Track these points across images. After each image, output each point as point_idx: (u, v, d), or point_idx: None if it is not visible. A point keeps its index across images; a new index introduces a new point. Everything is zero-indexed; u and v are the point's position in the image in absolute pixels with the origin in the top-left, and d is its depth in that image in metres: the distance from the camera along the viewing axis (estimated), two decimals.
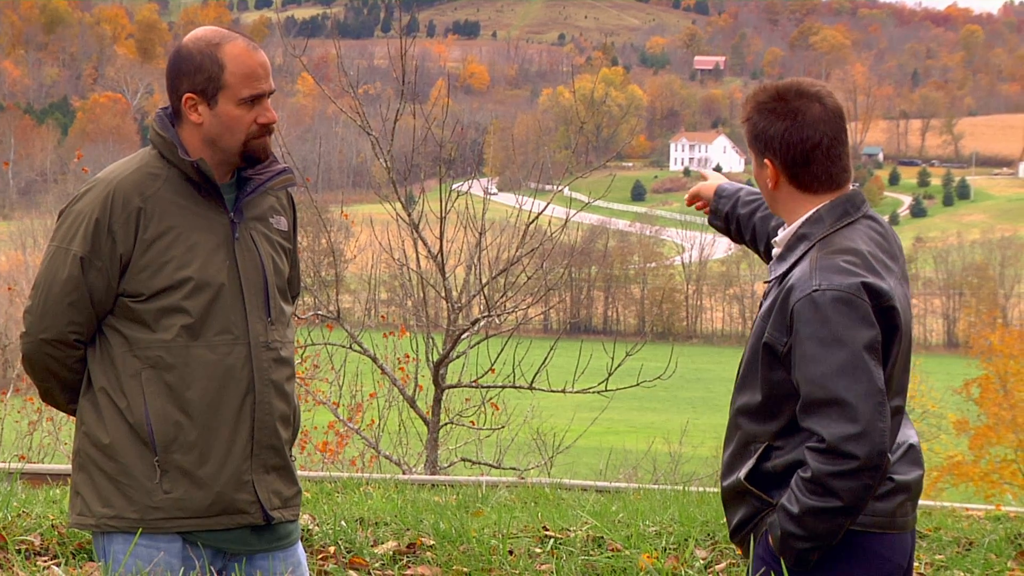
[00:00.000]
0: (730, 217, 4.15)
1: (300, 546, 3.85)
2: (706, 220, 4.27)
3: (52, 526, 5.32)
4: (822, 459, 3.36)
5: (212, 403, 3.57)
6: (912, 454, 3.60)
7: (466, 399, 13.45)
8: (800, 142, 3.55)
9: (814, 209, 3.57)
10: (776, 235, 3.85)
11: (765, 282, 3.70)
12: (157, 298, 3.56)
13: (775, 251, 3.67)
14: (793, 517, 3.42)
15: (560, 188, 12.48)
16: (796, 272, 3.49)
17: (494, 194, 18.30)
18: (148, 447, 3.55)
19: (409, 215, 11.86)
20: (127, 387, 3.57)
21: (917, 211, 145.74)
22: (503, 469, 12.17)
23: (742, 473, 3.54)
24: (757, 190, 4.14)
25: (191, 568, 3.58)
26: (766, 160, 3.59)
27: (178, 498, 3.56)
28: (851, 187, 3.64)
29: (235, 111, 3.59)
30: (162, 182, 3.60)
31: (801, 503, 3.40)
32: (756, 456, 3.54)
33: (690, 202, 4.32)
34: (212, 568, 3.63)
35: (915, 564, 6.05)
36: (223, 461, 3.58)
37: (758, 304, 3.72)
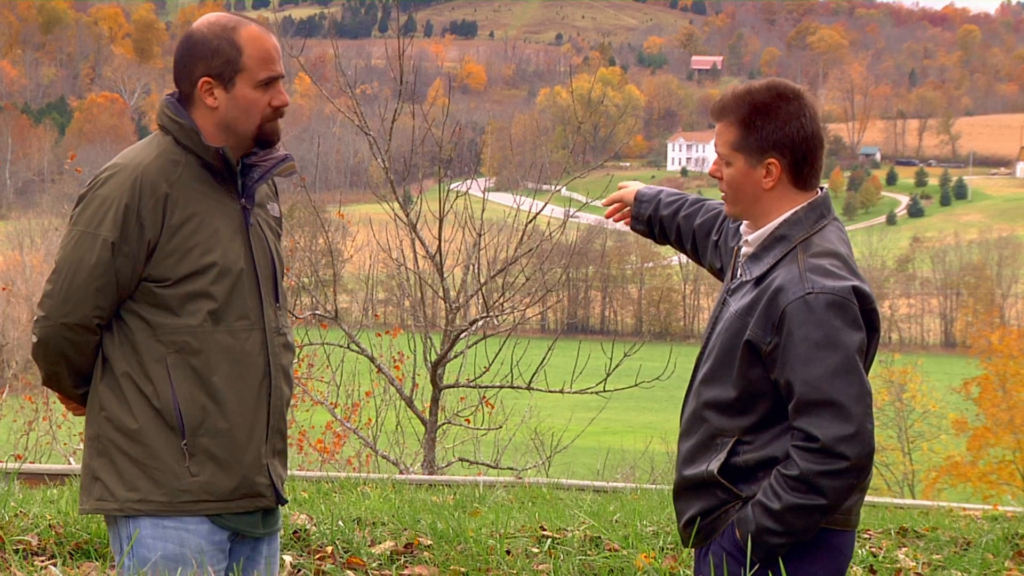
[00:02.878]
0: (653, 220, 4.19)
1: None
2: (629, 227, 4.27)
3: (49, 526, 5.32)
4: (813, 458, 3.40)
5: (235, 388, 3.61)
6: None
7: (461, 398, 13.46)
8: (811, 138, 3.59)
9: (792, 211, 3.60)
10: (695, 223, 3.98)
11: (732, 279, 3.70)
12: (183, 283, 3.57)
13: (745, 250, 3.68)
14: (772, 513, 3.46)
15: (558, 188, 12.47)
16: (782, 273, 3.51)
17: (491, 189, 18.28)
18: (175, 431, 3.57)
19: (407, 215, 11.85)
20: (152, 372, 3.58)
21: (914, 211, 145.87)
22: (501, 469, 12.17)
23: (713, 466, 3.57)
24: (678, 192, 4.20)
25: (218, 550, 3.63)
26: (771, 160, 3.59)
27: (205, 481, 3.59)
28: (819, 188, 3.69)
29: (252, 94, 3.60)
30: (182, 168, 3.61)
31: (783, 500, 3.44)
32: (727, 450, 3.57)
33: (609, 213, 4.30)
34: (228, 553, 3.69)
35: (913, 564, 6.09)
36: (246, 445, 3.63)
37: (718, 301, 3.73)
